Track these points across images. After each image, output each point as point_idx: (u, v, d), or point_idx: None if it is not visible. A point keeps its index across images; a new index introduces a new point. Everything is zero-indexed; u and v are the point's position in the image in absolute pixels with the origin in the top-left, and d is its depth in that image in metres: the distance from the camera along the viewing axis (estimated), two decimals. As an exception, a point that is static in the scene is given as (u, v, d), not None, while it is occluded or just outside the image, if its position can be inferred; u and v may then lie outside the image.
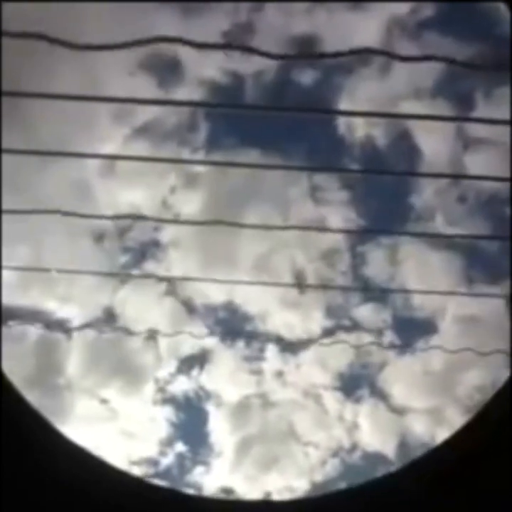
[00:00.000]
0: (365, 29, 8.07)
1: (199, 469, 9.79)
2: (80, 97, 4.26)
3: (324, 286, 8.81)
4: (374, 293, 9.16)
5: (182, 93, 8.06)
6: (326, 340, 9.13)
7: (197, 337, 9.10)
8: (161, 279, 8.82)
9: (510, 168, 4.18)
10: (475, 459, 2.71)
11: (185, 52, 7.49)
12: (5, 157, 5.21)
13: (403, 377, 9.44)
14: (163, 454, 9.79)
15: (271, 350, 9.50)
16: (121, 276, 8.63)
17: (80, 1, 5.33)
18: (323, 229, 8.67)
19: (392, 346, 9.35)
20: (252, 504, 2.89)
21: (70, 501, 2.68)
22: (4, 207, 5.26)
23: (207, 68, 8.19)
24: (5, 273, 8.03)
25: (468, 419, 2.82)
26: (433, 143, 8.90)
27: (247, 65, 8.29)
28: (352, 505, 2.72)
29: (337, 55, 4.02)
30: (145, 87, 7.75)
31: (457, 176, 8.83)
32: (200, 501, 2.88)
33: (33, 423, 2.82)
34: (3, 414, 2.76)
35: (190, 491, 3.00)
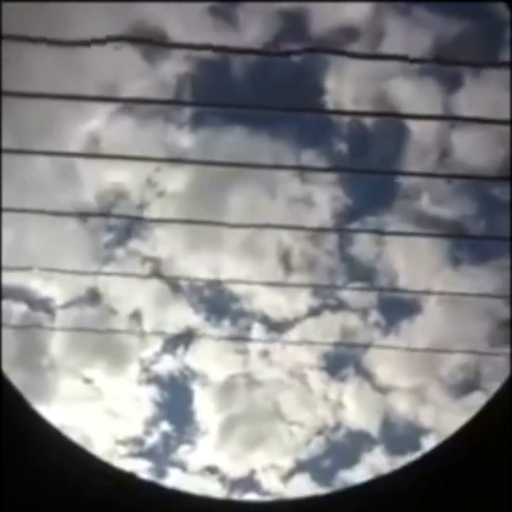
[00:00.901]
0: (353, 5, 7.93)
1: (184, 448, 9.81)
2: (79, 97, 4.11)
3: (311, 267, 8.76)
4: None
5: (168, 67, 7.90)
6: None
7: (182, 316, 9.07)
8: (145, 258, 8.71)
9: (510, 168, 4.13)
10: (475, 459, 2.70)
11: (171, 26, 7.34)
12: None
13: (388, 356, 9.47)
14: (148, 433, 9.78)
15: (257, 330, 9.48)
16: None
17: (79, 1, 5.17)
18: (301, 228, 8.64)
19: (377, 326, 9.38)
20: (251, 504, 2.87)
21: (69, 499, 2.67)
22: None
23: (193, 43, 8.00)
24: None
25: (469, 419, 2.80)
26: (420, 122, 8.83)
27: (234, 41, 8.12)
28: (352, 504, 2.69)
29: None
30: (130, 60, 7.57)
31: (455, 176, 8.73)
32: (195, 499, 2.86)
33: (33, 422, 2.80)
34: (3, 414, 2.75)
35: (190, 491, 2.95)
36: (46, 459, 2.73)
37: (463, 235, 9.04)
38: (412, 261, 8.98)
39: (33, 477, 2.73)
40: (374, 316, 9.25)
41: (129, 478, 2.91)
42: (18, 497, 2.69)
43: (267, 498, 8.32)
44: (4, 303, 8.17)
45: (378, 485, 2.77)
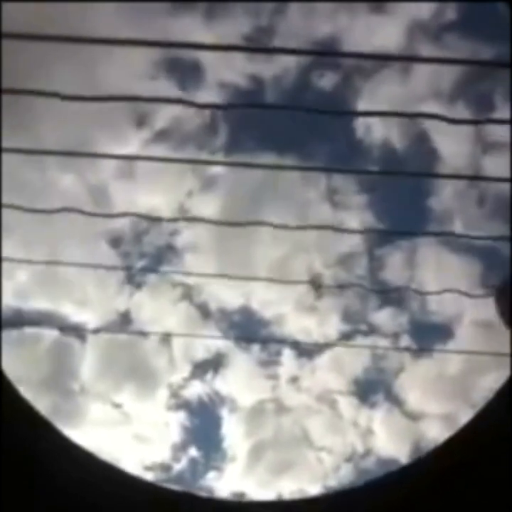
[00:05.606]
0: (387, 32, 7.99)
1: (212, 474, 9.72)
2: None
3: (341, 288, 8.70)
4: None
5: (203, 95, 7.96)
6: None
7: (211, 341, 9.03)
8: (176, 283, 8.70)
9: (510, 169, 4.08)
10: (475, 458, 2.67)
11: (205, 55, 7.41)
12: (26, 159, 5.09)
13: (419, 382, 9.37)
14: (176, 458, 9.73)
15: (286, 355, 9.42)
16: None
17: (81, 1, 5.19)
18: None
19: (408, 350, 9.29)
20: (256, 504, 2.85)
21: (69, 499, 2.67)
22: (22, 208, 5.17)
23: (228, 71, 8.10)
24: (21, 276, 7.93)
25: (468, 419, 2.78)
26: (451, 145, 8.81)
27: (267, 69, 8.20)
28: (353, 504, 2.68)
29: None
30: (167, 89, 7.66)
31: (456, 176, 8.73)
32: (203, 502, 2.83)
33: (33, 423, 2.80)
34: (3, 414, 2.73)
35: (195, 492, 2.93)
36: (47, 458, 2.72)
37: (451, 233, 8.91)
38: (443, 285, 8.89)
39: (33, 480, 2.71)
40: (405, 340, 9.16)
41: (122, 475, 2.88)
42: (16, 496, 2.68)
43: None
44: (36, 328, 8.19)
45: (378, 485, 2.74)
